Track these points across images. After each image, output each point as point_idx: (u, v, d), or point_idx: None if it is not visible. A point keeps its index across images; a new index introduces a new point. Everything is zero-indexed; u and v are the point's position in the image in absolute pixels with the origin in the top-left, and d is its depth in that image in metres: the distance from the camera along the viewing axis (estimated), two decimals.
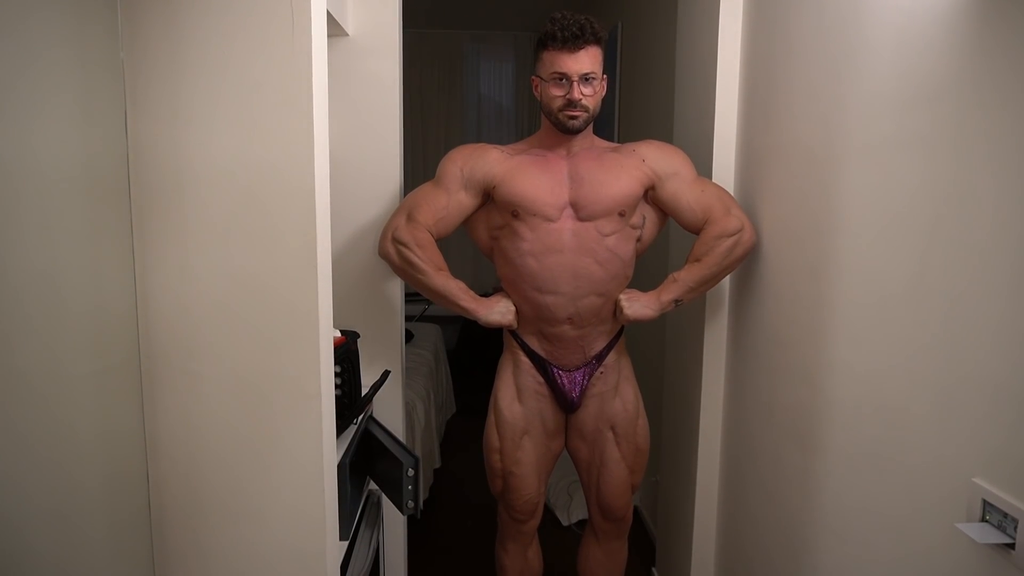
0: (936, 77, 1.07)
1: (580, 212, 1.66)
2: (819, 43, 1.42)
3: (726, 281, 1.87)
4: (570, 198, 1.67)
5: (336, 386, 1.50)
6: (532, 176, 1.67)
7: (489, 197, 1.72)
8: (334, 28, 1.74)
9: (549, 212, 1.66)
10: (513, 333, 1.81)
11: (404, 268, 1.70)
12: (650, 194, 1.72)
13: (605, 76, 1.66)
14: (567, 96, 1.60)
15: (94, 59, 1.07)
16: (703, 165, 1.89)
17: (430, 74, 5.00)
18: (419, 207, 1.71)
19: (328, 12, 1.53)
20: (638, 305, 1.70)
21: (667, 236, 2.15)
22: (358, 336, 1.74)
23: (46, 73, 0.96)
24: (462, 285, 1.72)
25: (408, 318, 4.33)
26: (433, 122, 5.06)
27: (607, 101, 3.46)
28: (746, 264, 1.75)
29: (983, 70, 0.98)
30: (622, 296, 1.73)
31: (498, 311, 1.74)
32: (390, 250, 1.71)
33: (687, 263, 1.71)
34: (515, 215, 1.67)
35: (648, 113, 2.87)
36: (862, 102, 1.26)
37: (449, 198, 1.71)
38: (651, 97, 2.81)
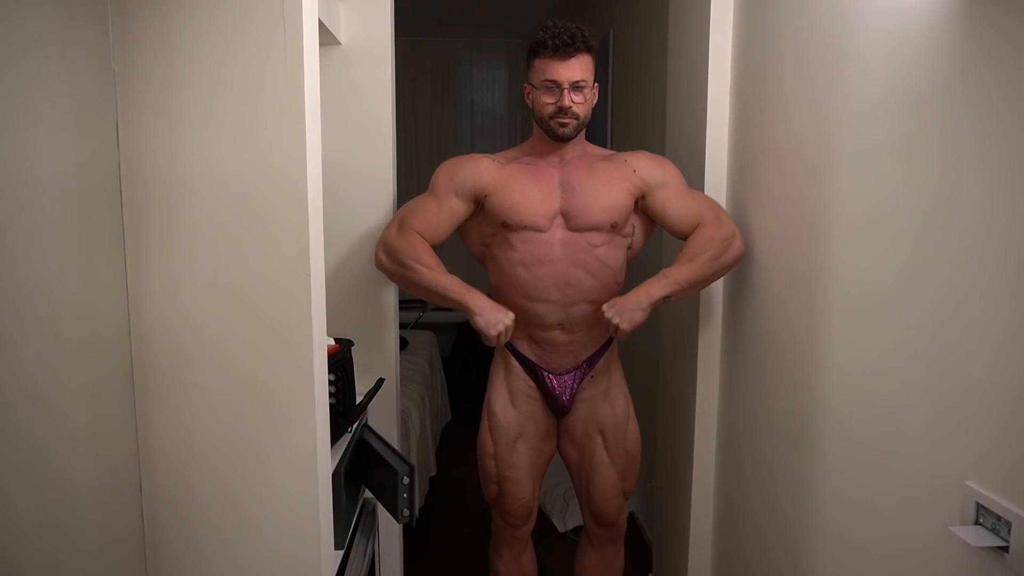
0: (924, 81, 1.08)
1: (571, 222, 1.67)
2: (809, 48, 1.42)
3: (719, 286, 1.87)
4: (561, 207, 1.67)
5: (330, 394, 1.49)
6: (523, 187, 1.67)
7: (481, 206, 1.72)
8: (326, 37, 1.74)
9: (539, 222, 1.66)
10: None
11: (397, 271, 1.70)
12: (640, 203, 1.73)
13: (596, 84, 1.67)
14: (558, 103, 1.61)
15: (86, 69, 1.06)
16: (695, 170, 1.89)
17: (423, 82, 5.01)
18: (411, 215, 1.72)
19: (320, 21, 1.53)
20: (628, 313, 1.61)
21: (660, 238, 2.15)
22: (352, 344, 1.73)
23: (37, 83, 0.96)
24: (455, 279, 1.68)
25: (403, 325, 4.32)
26: (426, 130, 5.07)
27: (599, 108, 3.46)
28: (739, 268, 1.75)
29: (971, 74, 0.99)
30: (609, 311, 1.62)
31: (492, 319, 1.63)
32: (383, 258, 1.71)
33: (678, 262, 1.68)
34: (505, 226, 1.68)
35: (640, 119, 2.88)
36: (852, 107, 1.27)
37: (440, 205, 1.72)
38: (643, 103, 2.82)
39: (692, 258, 1.66)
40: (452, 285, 1.66)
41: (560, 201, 1.67)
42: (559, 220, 1.67)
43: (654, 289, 1.64)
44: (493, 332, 1.63)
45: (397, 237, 1.70)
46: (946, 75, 1.03)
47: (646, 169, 1.71)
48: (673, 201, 1.71)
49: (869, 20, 1.22)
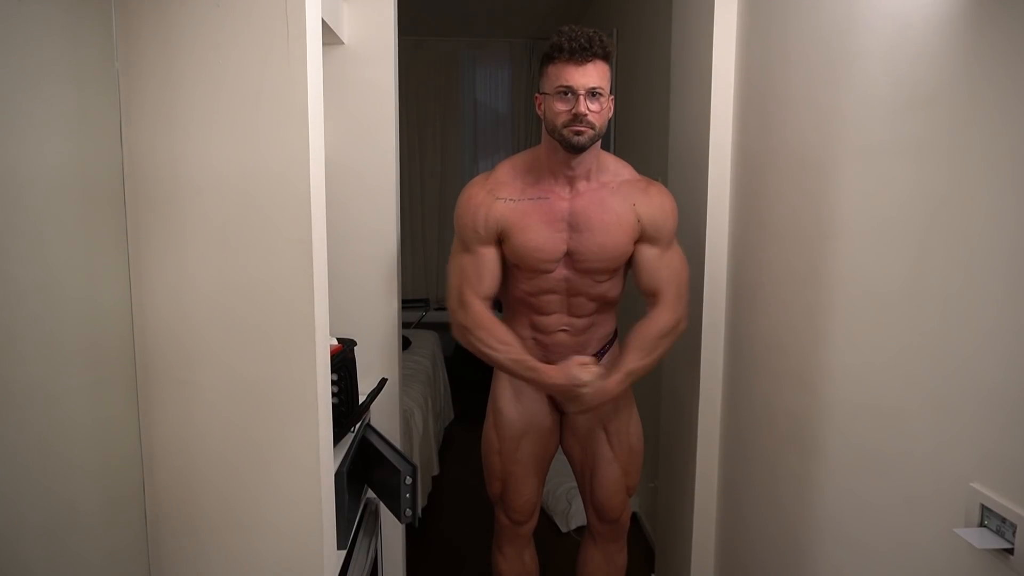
0: (929, 82, 1.07)
1: (576, 265, 1.67)
2: (813, 49, 1.42)
3: (722, 286, 1.87)
4: (569, 247, 1.65)
5: (333, 394, 1.49)
6: (535, 230, 1.64)
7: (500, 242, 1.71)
8: (329, 36, 1.74)
9: (548, 267, 1.67)
10: None
11: (475, 350, 1.70)
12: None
13: (612, 96, 1.59)
14: (573, 111, 1.51)
15: (89, 69, 1.06)
16: (699, 171, 1.89)
17: (426, 81, 5.01)
18: (462, 284, 1.69)
19: (323, 20, 1.53)
20: (599, 396, 1.65)
21: None
22: (355, 344, 1.73)
23: (42, 83, 0.96)
24: (522, 359, 1.68)
25: (405, 325, 4.32)
26: (429, 129, 5.06)
27: None
28: (742, 269, 1.76)
29: (975, 75, 0.98)
30: (586, 387, 1.62)
31: (575, 379, 1.62)
32: (458, 336, 1.72)
33: (635, 350, 1.68)
34: (516, 266, 1.69)
35: (644, 119, 2.88)
36: (856, 107, 1.27)
37: (478, 259, 1.69)
38: (647, 103, 2.82)
39: (649, 352, 1.68)
40: (530, 361, 1.67)
41: (568, 240, 1.65)
42: (565, 260, 1.67)
43: (612, 386, 1.66)
44: (580, 388, 1.62)
45: (463, 315, 1.68)
46: (950, 76, 1.03)
47: (650, 218, 1.66)
48: (652, 263, 1.69)
49: (873, 20, 1.21)
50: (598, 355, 1.79)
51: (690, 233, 1.96)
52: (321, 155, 1.20)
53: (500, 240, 1.68)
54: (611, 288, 1.73)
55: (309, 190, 1.14)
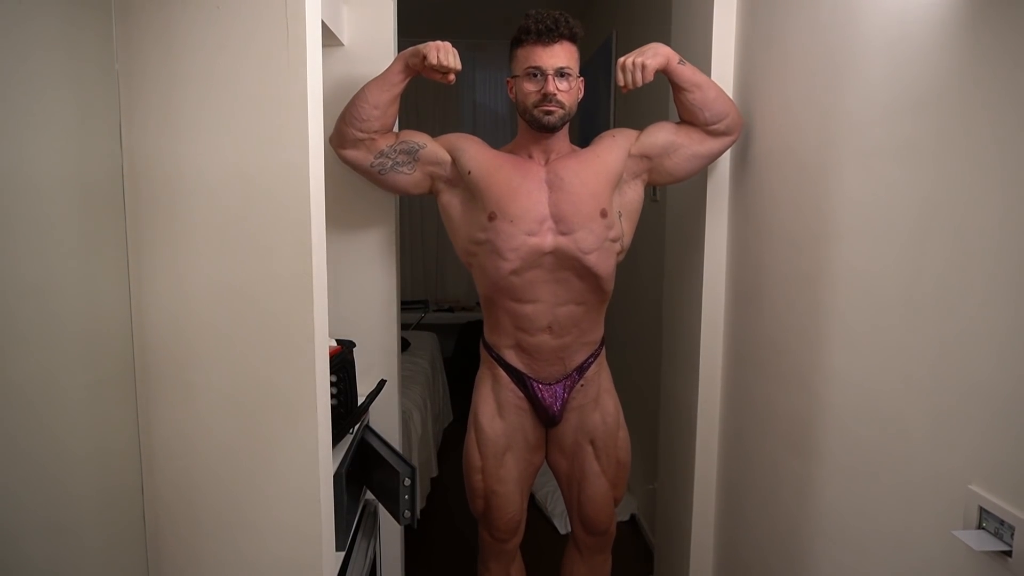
0: (929, 84, 1.07)
1: (561, 224, 1.61)
2: (812, 50, 1.42)
3: (721, 287, 1.87)
4: (551, 209, 1.62)
5: (332, 396, 1.50)
6: (507, 175, 1.64)
7: (456, 179, 1.69)
8: (329, 38, 1.74)
9: (527, 221, 1.61)
10: (489, 348, 1.78)
11: (351, 121, 1.65)
12: (642, 154, 1.71)
13: (582, 78, 1.63)
14: (542, 90, 1.56)
15: (89, 71, 1.07)
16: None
17: (425, 83, 5.00)
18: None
19: (323, 22, 1.53)
20: (648, 51, 1.60)
21: (660, 250, 2.15)
22: (354, 345, 1.73)
23: (41, 85, 0.96)
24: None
25: (404, 327, 4.32)
26: (428, 130, 5.05)
27: (603, 110, 3.46)
28: (742, 271, 1.76)
29: (975, 77, 0.98)
30: (625, 58, 1.60)
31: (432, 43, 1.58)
32: (335, 135, 1.69)
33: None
34: (492, 218, 1.62)
35: (644, 121, 2.88)
36: (855, 109, 1.27)
37: (430, 137, 1.76)
38: (646, 105, 2.82)
39: (701, 75, 1.67)
40: (391, 64, 1.63)
41: (548, 202, 1.62)
42: (549, 224, 1.62)
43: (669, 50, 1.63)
44: (433, 48, 1.58)
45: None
46: (950, 77, 1.03)
47: (625, 131, 1.73)
48: (665, 124, 1.74)
49: (873, 22, 1.22)
50: (583, 366, 1.75)
51: (690, 234, 1.96)
52: (321, 156, 1.20)
53: (453, 166, 1.70)
54: (599, 261, 1.64)
55: (309, 191, 1.14)
